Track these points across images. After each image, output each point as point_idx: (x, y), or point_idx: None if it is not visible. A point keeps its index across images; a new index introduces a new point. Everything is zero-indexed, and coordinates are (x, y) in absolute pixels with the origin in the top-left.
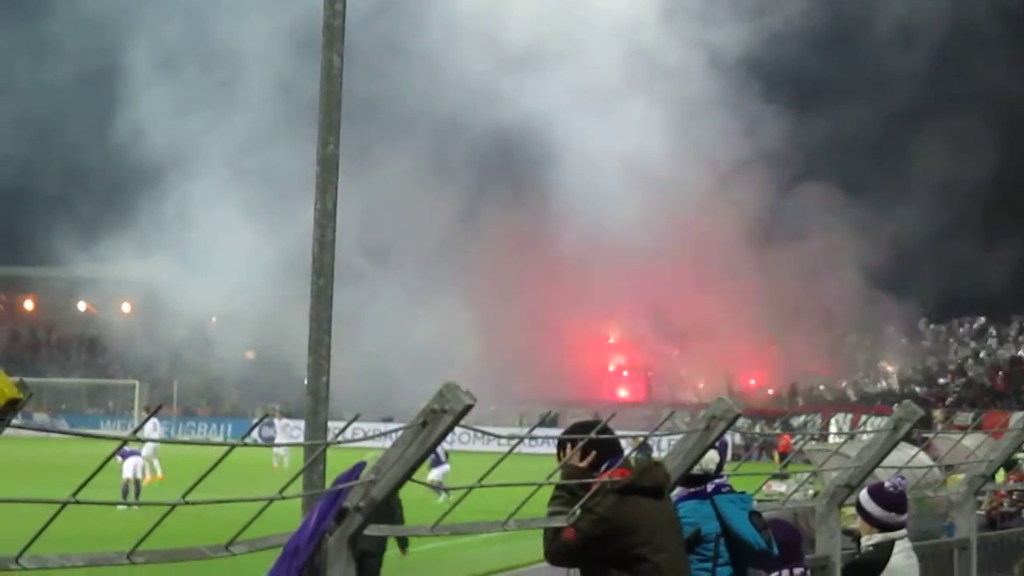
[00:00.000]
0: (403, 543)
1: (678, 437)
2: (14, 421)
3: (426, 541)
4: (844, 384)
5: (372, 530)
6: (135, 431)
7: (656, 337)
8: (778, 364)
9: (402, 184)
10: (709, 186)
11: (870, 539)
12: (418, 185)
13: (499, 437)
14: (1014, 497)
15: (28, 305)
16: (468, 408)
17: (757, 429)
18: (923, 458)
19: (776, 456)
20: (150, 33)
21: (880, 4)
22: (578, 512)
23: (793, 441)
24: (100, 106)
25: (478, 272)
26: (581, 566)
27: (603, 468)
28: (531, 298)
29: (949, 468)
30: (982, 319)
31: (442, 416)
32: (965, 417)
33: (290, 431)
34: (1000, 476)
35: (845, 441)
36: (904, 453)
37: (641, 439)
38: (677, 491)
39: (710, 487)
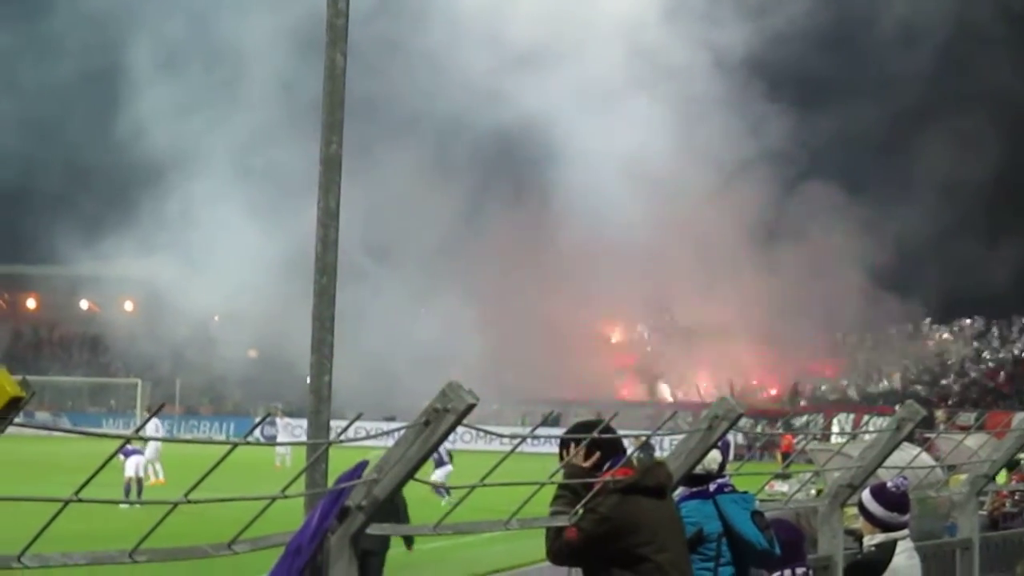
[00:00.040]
0: (409, 540)
1: (680, 437)
2: (16, 419)
3: (429, 540)
4: (846, 384)
5: (375, 529)
6: (137, 429)
7: (659, 336)
8: (781, 364)
9: (404, 183)
10: (712, 185)
11: (872, 539)
12: (421, 184)
13: (501, 436)
14: (1016, 497)
15: (30, 303)
16: (471, 407)
17: (759, 429)
18: (925, 458)
19: (778, 456)
20: (153, 31)
21: (883, 4)
22: (580, 512)
23: (795, 441)
24: (102, 104)
25: (480, 271)
26: (583, 565)
27: (605, 468)
28: (533, 297)
29: (951, 468)
30: (985, 319)
31: (445, 415)
32: (967, 417)
33: (292, 430)
34: (1002, 477)
35: (847, 441)
36: (906, 453)
37: (644, 439)
38: (679, 491)
39: (712, 487)
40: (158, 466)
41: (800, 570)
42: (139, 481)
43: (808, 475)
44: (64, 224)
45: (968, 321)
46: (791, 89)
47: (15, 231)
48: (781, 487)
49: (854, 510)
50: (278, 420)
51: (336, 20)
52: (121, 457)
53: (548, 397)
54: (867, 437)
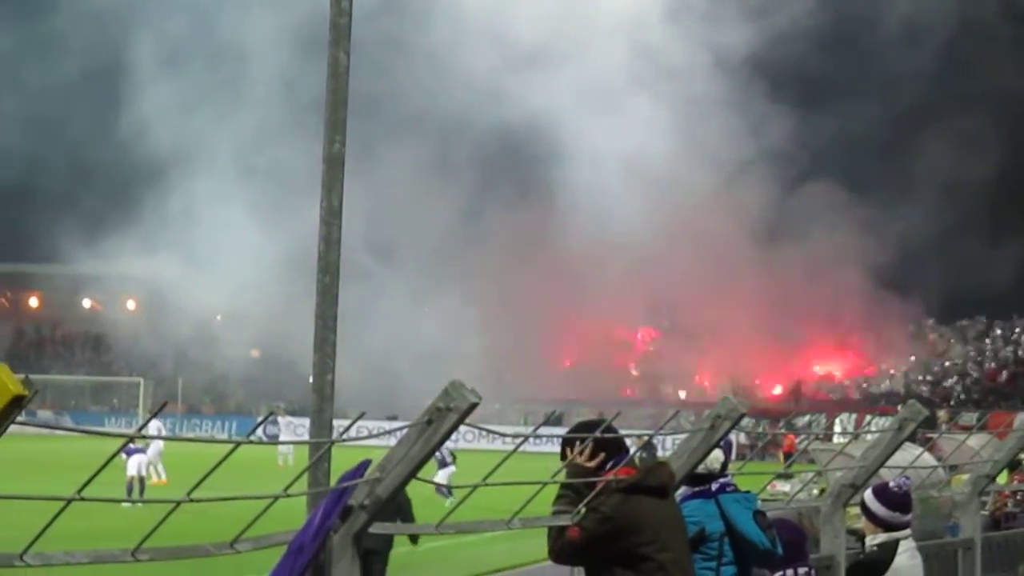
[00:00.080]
0: (414, 537)
1: (683, 436)
2: (19, 418)
3: (431, 539)
4: (848, 384)
5: (377, 528)
6: (139, 428)
7: (661, 336)
8: (783, 363)
9: (407, 182)
10: (714, 185)
11: (874, 539)
12: (423, 183)
13: (504, 436)
14: (1018, 498)
15: (33, 302)
16: (473, 406)
17: (760, 429)
18: (927, 458)
19: (781, 456)
20: (155, 30)
21: (886, 3)
22: (582, 511)
23: (798, 441)
24: (105, 103)
25: (483, 270)
26: (585, 565)
27: (608, 467)
28: (536, 296)
29: (953, 468)
30: (987, 318)
31: (447, 414)
32: (970, 417)
33: (294, 429)
34: (1002, 477)
35: (850, 441)
36: (908, 453)
37: (646, 438)
38: (681, 490)
39: (715, 486)
40: (160, 467)
41: (802, 570)
42: (141, 480)
43: (810, 475)
44: (67, 223)
45: (970, 321)
46: (793, 89)
47: (18, 229)
48: (783, 487)
49: (856, 510)
50: (280, 419)
51: (339, 19)
52: (123, 456)
53: (550, 396)
54: (869, 437)
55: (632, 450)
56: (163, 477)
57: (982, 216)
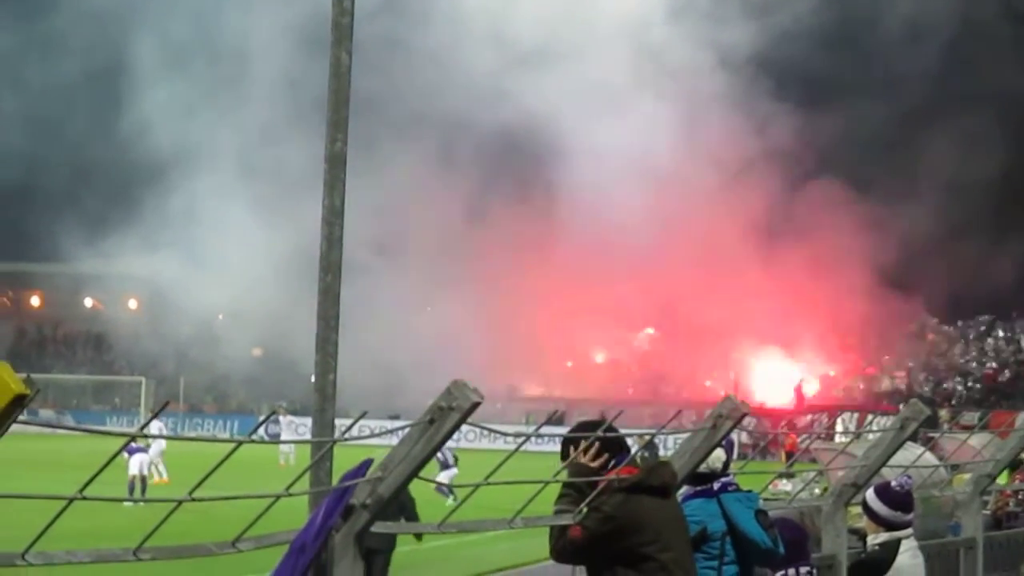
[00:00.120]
0: (419, 534)
1: (685, 435)
2: (20, 417)
3: (433, 538)
4: (851, 383)
5: (379, 527)
6: (142, 427)
7: (663, 334)
8: (785, 362)
9: (409, 181)
10: (717, 184)
11: (876, 538)
12: (426, 182)
13: (505, 435)
14: (1020, 497)
15: (34, 301)
16: (475, 405)
17: (760, 427)
18: (929, 457)
19: (782, 455)
20: (156, 29)
21: (889, 3)
22: (584, 510)
23: (799, 440)
24: (106, 102)
25: (484, 270)
26: (587, 564)
27: (610, 466)
28: (538, 296)
29: (955, 467)
30: (990, 318)
31: (449, 413)
32: (971, 417)
33: (296, 428)
34: (1003, 477)
35: (851, 440)
36: (910, 452)
37: (648, 437)
38: (683, 489)
39: (716, 485)
40: (161, 466)
41: (804, 569)
42: (143, 479)
43: (812, 474)
44: (68, 222)
45: (973, 320)
46: (797, 88)
47: (19, 229)
48: (785, 486)
49: (858, 509)
50: (281, 418)
51: (341, 18)
52: (125, 455)
53: (552, 395)
54: (871, 436)
55: (634, 449)
56: (165, 476)
57: (986, 215)
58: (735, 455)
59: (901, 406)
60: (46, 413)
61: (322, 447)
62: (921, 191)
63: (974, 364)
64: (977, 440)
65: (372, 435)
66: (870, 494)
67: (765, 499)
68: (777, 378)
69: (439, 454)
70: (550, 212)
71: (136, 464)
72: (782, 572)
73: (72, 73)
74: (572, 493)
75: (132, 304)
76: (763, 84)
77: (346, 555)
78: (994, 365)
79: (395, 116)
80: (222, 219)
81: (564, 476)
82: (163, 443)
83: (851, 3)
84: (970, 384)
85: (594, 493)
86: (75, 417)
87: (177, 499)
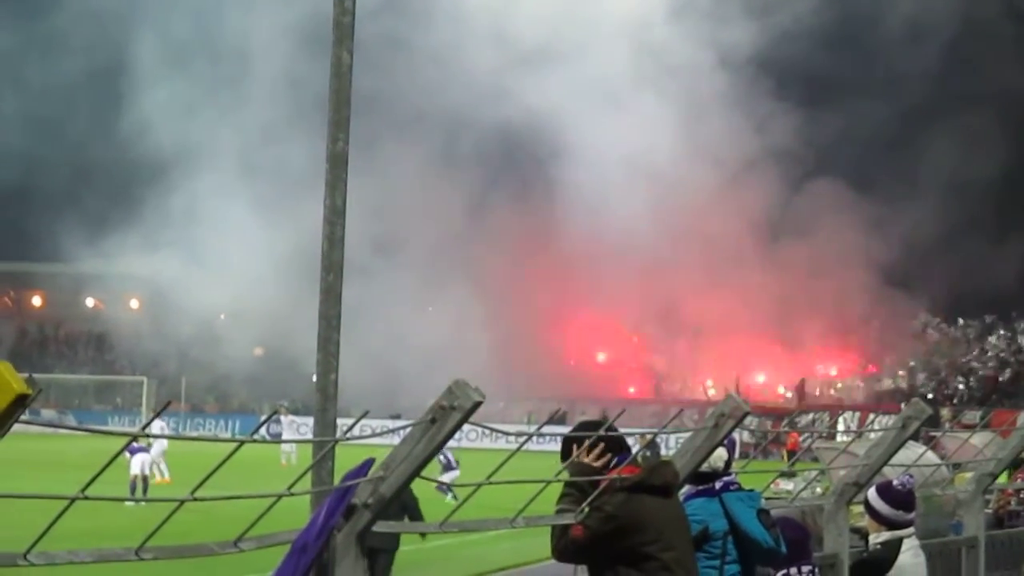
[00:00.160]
0: (422, 533)
1: (686, 434)
2: (22, 417)
3: (435, 538)
4: (852, 382)
5: (381, 526)
6: (143, 427)
7: (665, 334)
8: (787, 362)
9: (410, 181)
10: (718, 183)
11: (878, 537)
12: (427, 182)
13: (507, 434)
14: (1022, 496)
15: (36, 301)
16: (477, 405)
17: (762, 426)
18: (931, 456)
19: (784, 454)
20: (157, 29)
21: (890, 2)
22: (586, 510)
23: (801, 439)
24: (107, 102)
25: (486, 269)
26: (589, 563)
27: (611, 466)
28: (539, 295)
29: (957, 466)
30: (991, 317)
31: (451, 413)
32: (973, 416)
33: (297, 428)
34: (1002, 477)
35: (853, 439)
36: (912, 451)
37: (650, 437)
38: (685, 488)
39: (718, 485)
40: (163, 466)
41: (806, 568)
42: (145, 479)
43: (814, 473)
44: (69, 222)
45: (974, 319)
46: (797, 87)
47: (20, 229)
48: (787, 485)
49: (860, 508)
50: (283, 418)
51: (343, 18)
52: (127, 455)
53: (554, 395)
54: (872, 435)
55: (635, 449)
56: (166, 476)
57: (987, 215)
58: (737, 454)
59: (903, 405)
60: (48, 413)
61: (324, 446)
62: (922, 190)
63: (976, 363)
64: (979, 439)
65: (374, 434)
66: (872, 493)
67: (767, 498)
68: (778, 377)
69: (441, 456)
70: (551, 211)
71: (138, 464)
72: (784, 571)
73: (73, 73)
74: (574, 492)
75: (133, 304)
76: (764, 83)
77: (348, 555)
78: (996, 364)
79: (396, 115)
80: (223, 219)
81: (566, 475)
82: (165, 443)
83: (852, 3)
84: (971, 383)
85: (596, 493)
86: (77, 417)
87: (179, 499)
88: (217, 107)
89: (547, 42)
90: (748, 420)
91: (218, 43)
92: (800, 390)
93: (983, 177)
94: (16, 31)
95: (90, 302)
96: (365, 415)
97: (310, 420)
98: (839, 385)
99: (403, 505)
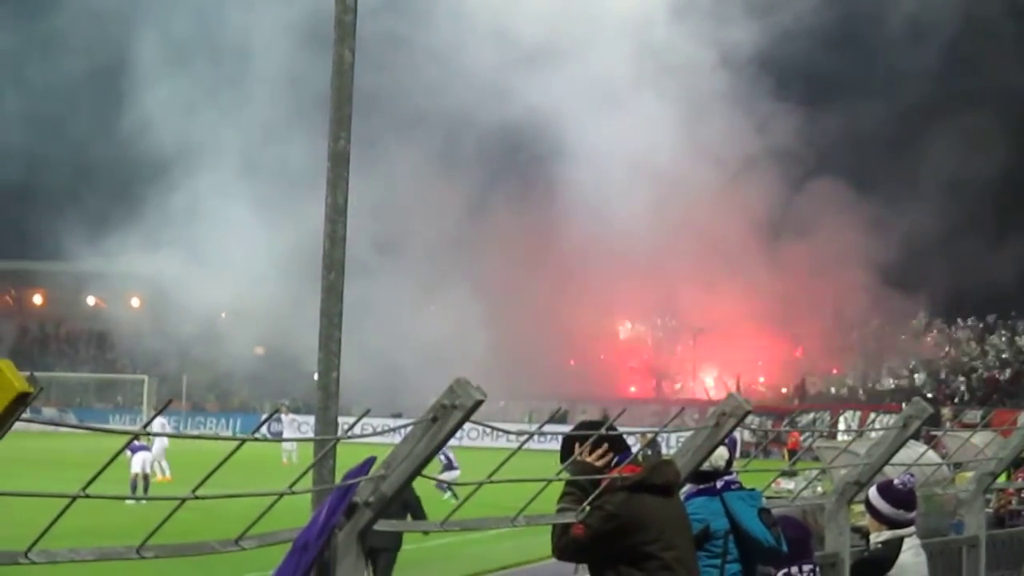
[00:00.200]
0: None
1: (687, 433)
2: (23, 415)
3: (436, 536)
4: (853, 381)
5: (382, 525)
6: (145, 426)
7: (666, 333)
8: (787, 361)
9: (411, 179)
10: (719, 183)
11: (879, 536)
12: (428, 180)
13: (508, 433)
14: (1023, 495)
15: (37, 299)
16: (478, 404)
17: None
18: (932, 456)
19: (785, 453)
20: (158, 28)
21: (891, 1)
22: (587, 509)
23: (802, 438)
24: (108, 101)
25: (487, 267)
26: (589, 562)
27: (612, 465)
28: (540, 294)
29: (958, 466)
30: (992, 317)
31: (452, 412)
32: (974, 415)
33: (298, 426)
34: (1002, 477)
35: (854, 439)
36: (913, 451)
37: (651, 436)
38: (686, 487)
39: (719, 484)
40: (164, 464)
41: (807, 567)
42: (146, 477)
43: (815, 472)
44: (70, 220)
45: (975, 318)
46: (798, 87)
47: (22, 227)
48: (787, 484)
49: (861, 507)
50: (284, 416)
51: (344, 16)
52: (128, 453)
53: (555, 394)
54: (874, 434)
55: (636, 448)
56: (167, 474)
57: (988, 214)
58: (738, 453)
59: (903, 404)
60: (49, 411)
61: (325, 445)
62: (923, 190)
63: (976, 362)
64: (980, 438)
65: (375, 433)
66: (873, 492)
67: (768, 497)
68: (779, 376)
69: (442, 455)
70: (552, 210)
71: (139, 462)
72: (785, 570)
73: (74, 71)
74: (575, 491)
75: (135, 302)
76: (765, 83)
77: (349, 553)
78: (996, 363)
79: (398, 114)
80: (224, 217)
81: (566, 474)
82: (166, 441)
83: (853, 2)
84: (972, 382)
85: (597, 492)
86: (78, 415)
87: (180, 497)
88: (218, 106)
89: (548, 41)
90: (749, 419)
91: (219, 41)
92: (801, 389)
93: (984, 176)
94: (17, 30)
95: (91, 300)
96: (366, 414)
97: (311, 419)
98: (841, 386)
99: (406, 504)
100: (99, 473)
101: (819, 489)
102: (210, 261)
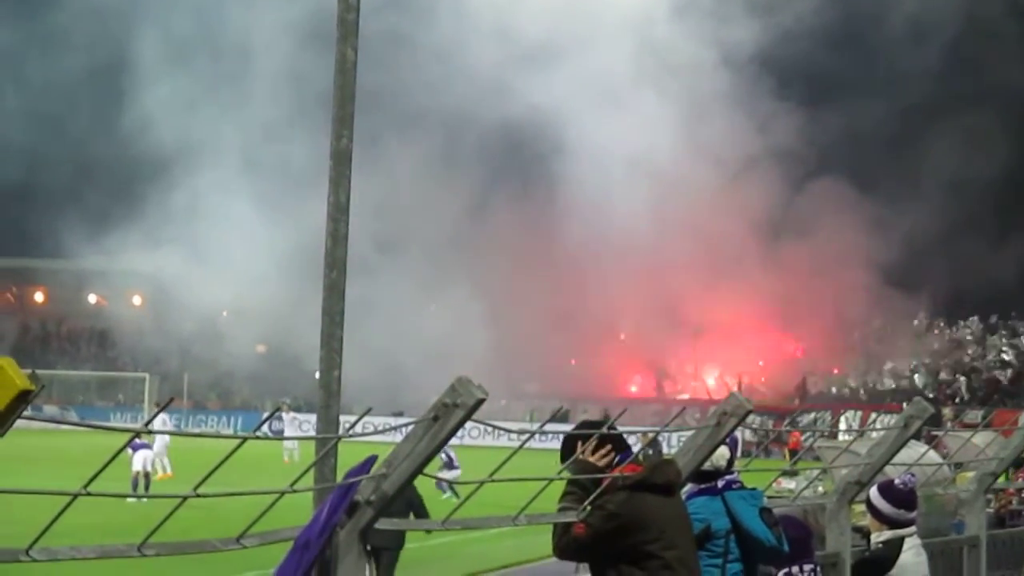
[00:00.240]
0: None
1: (688, 433)
2: (25, 413)
3: (438, 535)
4: (854, 381)
5: (384, 524)
6: (146, 424)
7: (666, 332)
8: (788, 361)
9: (412, 178)
10: (720, 182)
11: (880, 536)
12: (429, 179)
13: (510, 432)
14: (1023, 495)
15: (38, 297)
16: (480, 402)
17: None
18: (933, 456)
19: (786, 453)
20: (160, 25)
21: (893, 1)
22: (588, 508)
23: (803, 438)
24: (109, 98)
25: (488, 266)
26: (591, 561)
27: (614, 464)
28: (541, 293)
29: (959, 466)
30: (993, 317)
31: (454, 410)
32: (975, 415)
33: (299, 425)
34: (1003, 478)
35: (855, 438)
36: (914, 451)
37: (652, 435)
38: (687, 487)
39: (721, 483)
40: (166, 460)
41: (808, 567)
42: (147, 475)
43: (816, 472)
44: (72, 218)
45: (976, 318)
46: (800, 86)
47: (23, 225)
48: (788, 484)
49: (862, 507)
50: (285, 415)
51: (347, 15)
52: (129, 451)
53: (556, 393)
54: (874, 434)
55: (637, 447)
56: (169, 470)
57: (989, 214)
58: (739, 453)
59: (905, 404)
60: (50, 409)
61: (327, 443)
62: (924, 190)
63: (977, 362)
64: (980, 438)
65: (376, 432)
66: (874, 492)
67: (769, 497)
68: (780, 376)
69: (443, 454)
70: (553, 209)
71: (140, 460)
72: (786, 570)
73: (75, 69)
74: (576, 491)
75: (136, 300)
76: (766, 82)
77: (350, 551)
78: (998, 363)
79: (400, 112)
80: (226, 215)
81: (568, 474)
82: (167, 439)
83: (854, 2)
84: (973, 382)
85: (598, 491)
86: (79, 413)
87: (181, 495)
88: (220, 104)
89: (550, 39)
90: (750, 419)
91: (221, 39)
92: (802, 389)
93: (985, 176)
94: (18, 28)
95: (92, 298)
96: (368, 412)
97: (313, 417)
98: (842, 386)
99: (408, 502)
100: (100, 471)
101: (820, 489)
102: (212, 259)
